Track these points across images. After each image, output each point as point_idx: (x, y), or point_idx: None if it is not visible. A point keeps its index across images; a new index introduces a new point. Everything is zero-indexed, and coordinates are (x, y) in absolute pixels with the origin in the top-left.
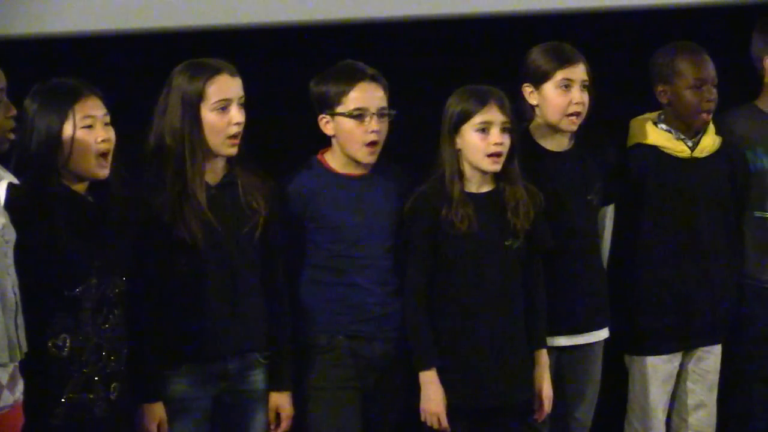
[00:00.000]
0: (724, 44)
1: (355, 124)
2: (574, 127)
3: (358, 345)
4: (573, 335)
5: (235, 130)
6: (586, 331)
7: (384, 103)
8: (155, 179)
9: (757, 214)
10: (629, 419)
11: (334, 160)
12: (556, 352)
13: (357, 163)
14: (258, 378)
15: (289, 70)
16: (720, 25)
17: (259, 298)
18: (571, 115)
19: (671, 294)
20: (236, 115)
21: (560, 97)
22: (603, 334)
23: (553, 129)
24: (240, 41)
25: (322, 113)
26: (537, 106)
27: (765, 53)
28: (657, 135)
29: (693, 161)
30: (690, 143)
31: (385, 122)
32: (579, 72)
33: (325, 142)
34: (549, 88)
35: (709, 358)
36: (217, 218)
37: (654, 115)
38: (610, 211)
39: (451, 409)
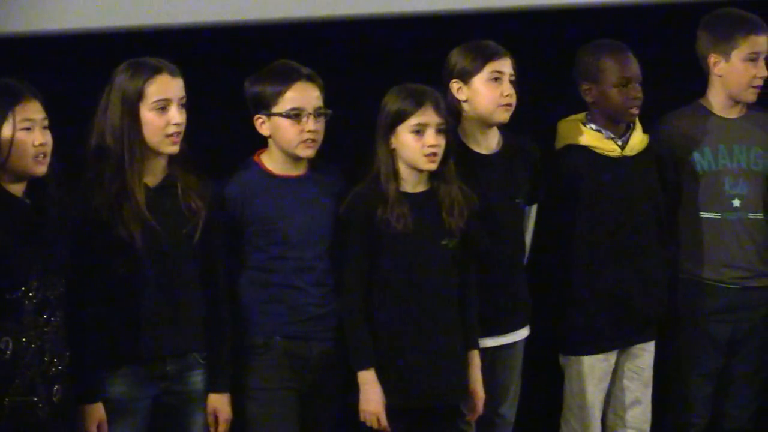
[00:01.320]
0: (663, 43)
1: (291, 124)
2: (506, 117)
3: (295, 346)
4: (499, 336)
5: (173, 129)
6: (511, 331)
7: (320, 103)
8: (95, 179)
9: (705, 214)
10: (566, 418)
11: (271, 161)
12: (481, 352)
13: (294, 163)
14: (197, 379)
15: (227, 69)
16: (659, 24)
17: (198, 300)
18: (503, 105)
19: (605, 293)
20: (175, 115)
21: (491, 90)
22: (525, 332)
23: (484, 124)
24: (180, 41)
25: (257, 114)
26: (466, 101)
27: (710, 51)
28: (587, 135)
29: (623, 160)
30: (620, 142)
31: (322, 122)
32: (507, 65)
33: (264, 143)
34: (479, 81)
35: (644, 356)
36: (157, 219)
37: (581, 116)
38: (532, 212)
39: (390, 409)
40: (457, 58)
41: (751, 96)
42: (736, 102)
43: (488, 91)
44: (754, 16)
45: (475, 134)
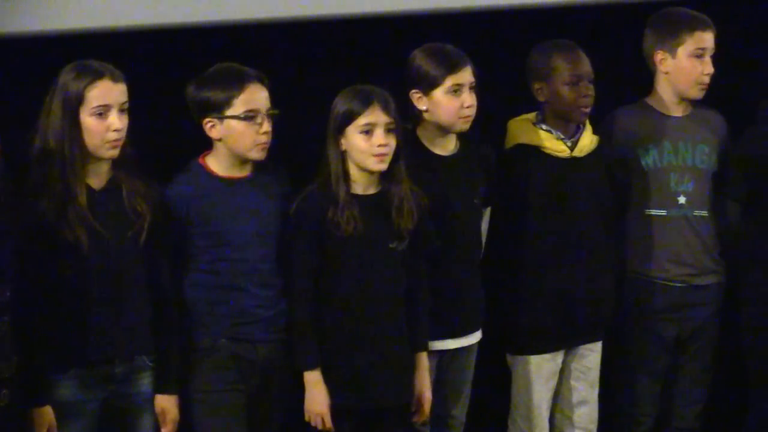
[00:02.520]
0: (612, 42)
1: (247, 126)
2: (467, 127)
3: (241, 348)
4: (457, 338)
5: (113, 136)
6: (468, 333)
7: (269, 104)
8: (40, 181)
9: (651, 212)
10: (513, 418)
11: (216, 163)
12: (438, 355)
13: (241, 165)
14: (145, 381)
15: (170, 73)
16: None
17: (145, 302)
18: (464, 117)
19: (552, 293)
20: (115, 121)
21: (452, 103)
22: (479, 335)
23: (444, 132)
24: (125, 43)
25: (206, 117)
26: (426, 110)
27: (656, 48)
28: (537, 135)
29: (573, 161)
30: (569, 143)
31: (271, 123)
32: (467, 75)
33: (206, 145)
34: (439, 94)
35: (591, 356)
36: (101, 222)
37: (532, 115)
38: (486, 214)
39: (336, 410)
40: (418, 66)
41: (697, 93)
42: (682, 99)
43: (449, 105)
44: (701, 13)
45: (434, 137)
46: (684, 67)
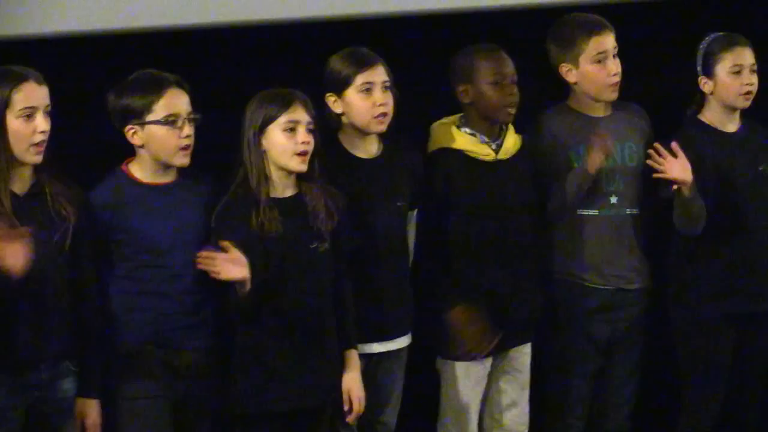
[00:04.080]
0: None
1: (168, 131)
2: (383, 128)
3: (166, 354)
4: (385, 341)
5: (39, 138)
6: (396, 337)
7: (190, 109)
8: None
9: (583, 212)
10: (442, 421)
11: (140, 170)
12: (365, 359)
13: (164, 171)
14: (69, 387)
15: (91, 78)
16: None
17: (69, 307)
18: (378, 116)
19: (481, 295)
20: (41, 123)
21: (363, 101)
22: (407, 339)
23: (362, 134)
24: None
25: (127, 124)
26: (343, 113)
27: (560, 61)
28: (461, 139)
29: (497, 164)
30: (494, 146)
31: (193, 127)
32: (379, 74)
33: (130, 152)
34: (351, 93)
35: (520, 358)
36: (26, 226)
37: (455, 118)
38: (413, 217)
39: (265, 413)
40: (330, 69)
41: (610, 95)
42: (599, 101)
43: (360, 104)
44: (595, 16)
45: (354, 140)
46: (589, 74)
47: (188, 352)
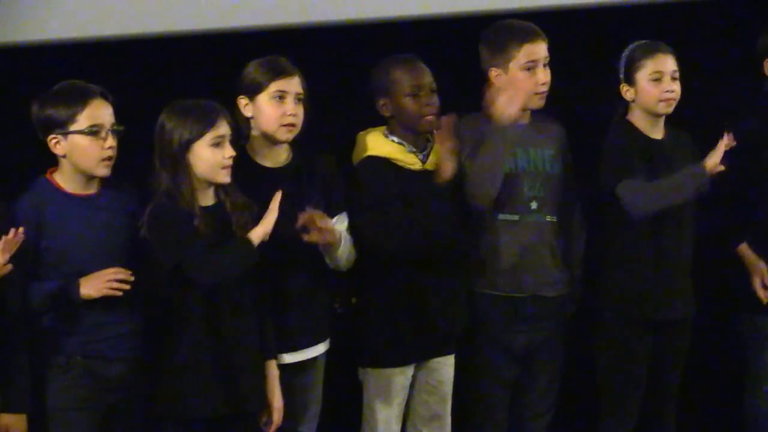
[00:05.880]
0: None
1: (91, 141)
2: (289, 137)
3: (95, 365)
4: (297, 351)
5: None
6: (309, 346)
7: (114, 120)
8: None
9: (503, 217)
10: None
11: (63, 180)
12: (281, 368)
13: (87, 181)
14: None
15: (13, 89)
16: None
17: None
18: (286, 125)
19: (404, 306)
20: None
21: (274, 109)
22: (323, 347)
23: (271, 142)
24: None
25: (50, 134)
26: (252, 118)
27: (490, 65)
28: (389, 147)
29: (424, 173)
30: (421, 156)
31: (116, 138)
32: (293, 84)
33: (52, 161)
34: (263, 99)
35: (442, 369)
36: None
37: (382, 128)
38: (342, 222)
39: (186, 418)
40: (246, 73)
41: (536, 103)
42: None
43: (271, 110)
44: (529, 24)
45: (263, 149)
46: (518, 80)
47: (118, 363)
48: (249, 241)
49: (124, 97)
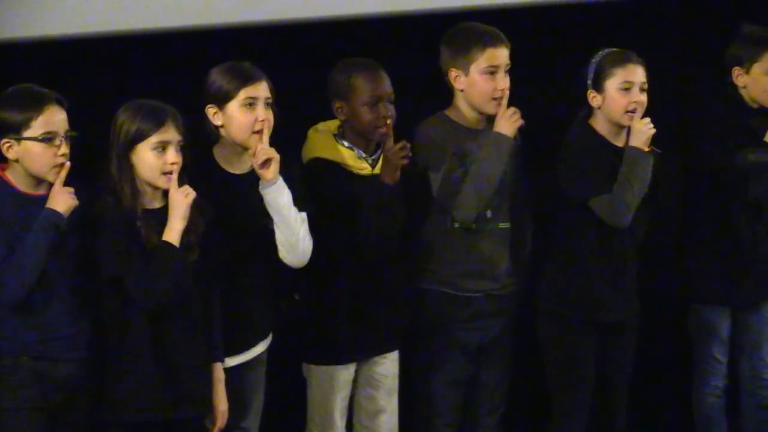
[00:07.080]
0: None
1: (44, 148)
2: (260, 144)
3: (42, 365)
4: (238, 354)
5: None
6: (255, 344)
7: (68, 126)
8: None
9: (456, 224)
10: (309, 428)
11: (15, 178)
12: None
13: (38, 183)
14: None
15: None
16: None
17: None
18: (257, 132)
19: (346, 303)
20: None
21: (245, 116)
22: (264, 345)
23: (241, 148)
24: None
25: (3, 137)
26: (222, 126)
27: (450, 66)
28: (339, 151)
29: (372, 178)
30: (370, 161)
31: (69, 145)
32: (262, 89)
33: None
34: (233, 107)
35: (385, 363)
36: None
37: (333, 126)
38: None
39: (134, 421)
40: (213, 81)
41: (493, 109)
42: (480, 113)
43: (243, 117)
44: (493, 29)
45: (230, 155)
46: (477, 84)
47: (65, 363)
48: (169, 244)
49: (91, 97)
